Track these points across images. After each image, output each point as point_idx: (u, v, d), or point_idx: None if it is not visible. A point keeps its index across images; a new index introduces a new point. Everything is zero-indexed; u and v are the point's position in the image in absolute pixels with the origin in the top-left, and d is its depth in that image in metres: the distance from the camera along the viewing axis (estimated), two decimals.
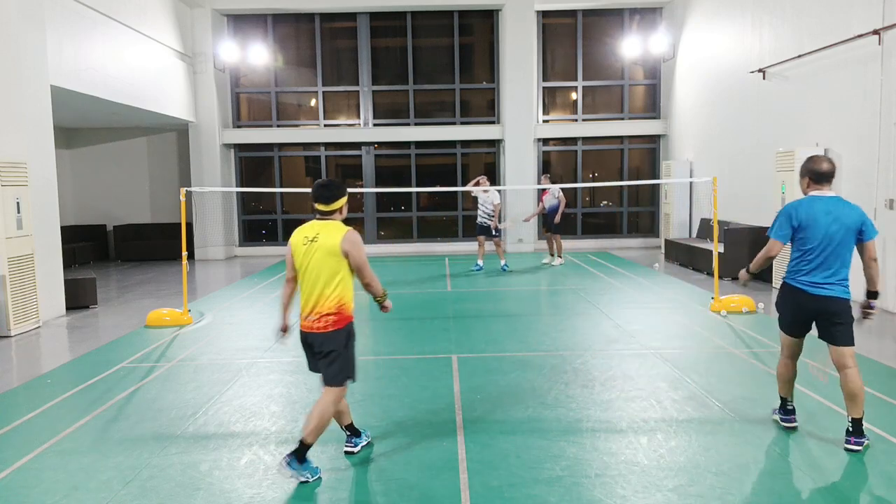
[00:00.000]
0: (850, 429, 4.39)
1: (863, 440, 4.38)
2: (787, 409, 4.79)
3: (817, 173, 4.43)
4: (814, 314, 4.47)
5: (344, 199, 4.32)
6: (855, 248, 4.41)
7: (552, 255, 14.17)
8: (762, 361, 6.57)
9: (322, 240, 4.13)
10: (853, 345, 4.43)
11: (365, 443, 4.65)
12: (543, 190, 14.02)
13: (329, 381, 4.17)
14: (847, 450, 4.35)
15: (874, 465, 4.19)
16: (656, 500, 3.79)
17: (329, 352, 4.13)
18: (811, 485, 3.93)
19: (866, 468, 4.14)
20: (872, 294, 4.46)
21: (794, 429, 4.72)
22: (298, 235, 4.31)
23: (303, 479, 4.04)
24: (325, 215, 4.28)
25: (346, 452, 4.53)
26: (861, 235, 4.34)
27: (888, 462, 4.23)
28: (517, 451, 4.42)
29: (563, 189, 13.72)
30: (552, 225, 13.83)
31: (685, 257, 13.65)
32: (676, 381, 5.97)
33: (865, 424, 4.83)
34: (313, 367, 4.33)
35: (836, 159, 9.99)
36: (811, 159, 4.50)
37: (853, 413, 4.37)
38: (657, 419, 5.05)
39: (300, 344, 4.34)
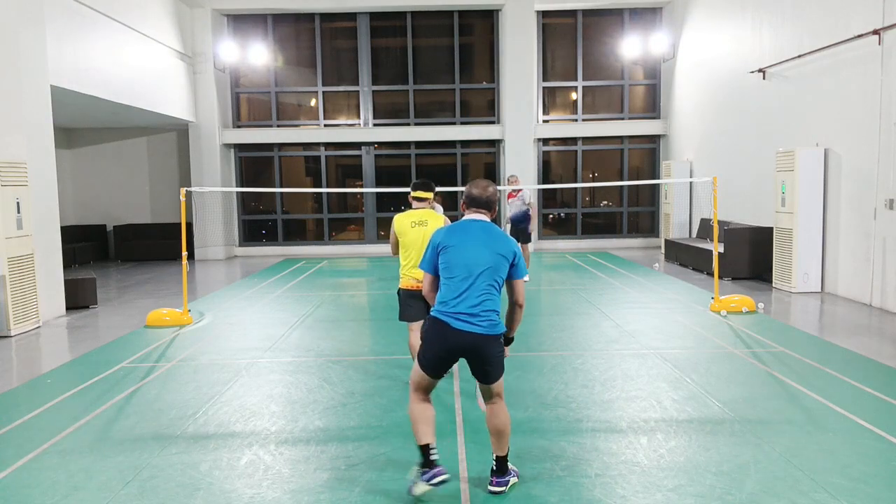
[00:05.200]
0: (494, 468, 3.91)
1: (506, 479, 3.90)
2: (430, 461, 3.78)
3: (469, 198, 3.98)
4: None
5: (431, 194, 5.81)
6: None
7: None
8: (762, 361, 6.57)
9: (431, 225, 5.52)
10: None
11: None
12: (509, 193, 12.11)
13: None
14: (490, 492, 3.86)
15: (874, 465, 4.19)
16: (656, 500, 3.79)
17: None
18: (811, 485, 3.93)
19: (866, 468, 4.14)
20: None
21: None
22: (405, 220, 5.65)
23: None
24: (419, 201, 5.74)
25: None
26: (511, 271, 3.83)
27: (888, 462, 4.23)
28: (517, 451, 4.42)
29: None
30: (520, 235, 11.72)
31: (685, 257, 13.65)
32: (676, 381, 5.97)
33: (863, 423, 4.83)
34: (408, 315, 5.58)
35: (836, 159, 10.01)
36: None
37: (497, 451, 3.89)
38: (657, 419, 5.05)
39: (400, 297, 5.63)
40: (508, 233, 12.17)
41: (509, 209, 12.19)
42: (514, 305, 3.88)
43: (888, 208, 8.86)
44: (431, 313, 3.82)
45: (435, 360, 3.79)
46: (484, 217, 3.94)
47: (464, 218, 3.99)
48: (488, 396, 3.90)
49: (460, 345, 3.71)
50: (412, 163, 17.85)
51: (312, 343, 7.73)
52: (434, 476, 3.70)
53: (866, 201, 9.32)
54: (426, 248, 4.00)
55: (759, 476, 4.05)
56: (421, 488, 3.73)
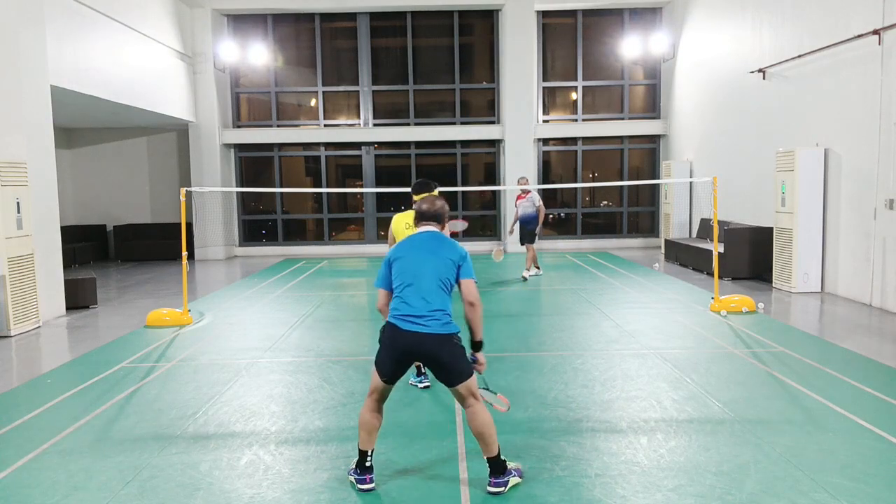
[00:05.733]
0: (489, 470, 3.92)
1: (504, 479, 3.90)
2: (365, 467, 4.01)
3: (419, 213, 4.24)
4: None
5: (433, 194, 5.68)
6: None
7: (536, 266, 12.64)
8: (762, 361, 6.57)
9: None
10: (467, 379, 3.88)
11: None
12: (518, 194, 12.45)
13: None
14: (489, 493, 3.87)
15: (874, 465, 4.19)
16: (656, 500, 3.79)
17: None
18: (811, 485, 3.93)
19: (866, 468, 4.14)
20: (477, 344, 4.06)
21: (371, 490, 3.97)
22: (400, 221, 5.77)
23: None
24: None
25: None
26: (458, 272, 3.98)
27: (888, 462, 4.23)
28: (517, 451, 4.42)
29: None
30: (527, 236, 12.25)
31: (685, 257, 13.65)
32: (676, 381, 5.97)
33: (863, 423, 4.83)
34: None
35: (836, 159, 10.01)
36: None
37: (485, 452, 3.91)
38: (657, 419, 5.05)
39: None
40: (518, 232, 12.46)
41: (519, 210, 12.38)
42: (466, 305, 3.95)
43: (888, 208, 8.86)
44: (387, 320, 3.96)
45: (389, 363, 3.91)
46: (433, 228, 4.17)
47: (415, 231, 4.22)
48: (461, 400, 3.91)
49: (411, 346, 3.83)
50: (412, 163, 17.85)
51: (312, 343, 7.73)
52: (363, 482, 3.98)
53: (866, 201, 9.32)
54: (382, 265, 4.11)
55: (759, 476, 4.06)
56: (351, 479, 4.05)
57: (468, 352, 4.00)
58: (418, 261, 3.94)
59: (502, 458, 3.93)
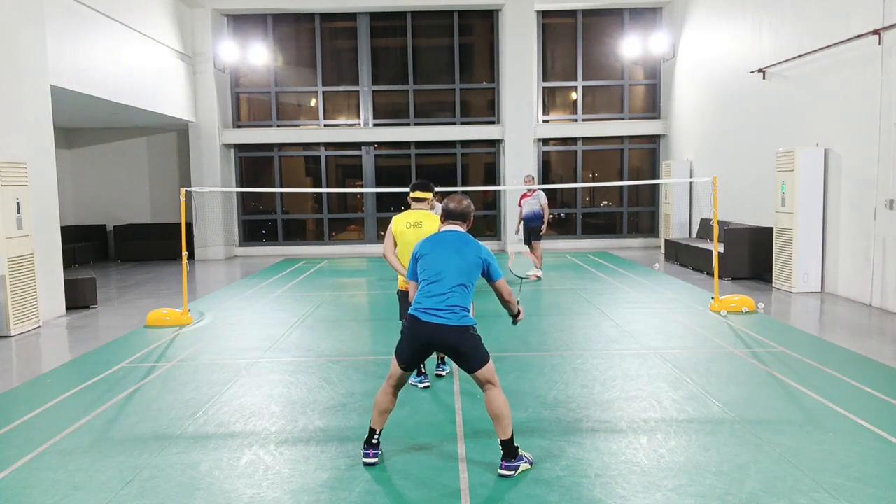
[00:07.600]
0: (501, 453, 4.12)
1: (515, 464, 4.09)
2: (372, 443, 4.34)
3: (446, 211, 4.46)
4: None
5: (430, 194, 5.87)
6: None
7: (537, 268, 12.12)
8: (762, 361, 6.57)
9: (426, 227, 5.60)
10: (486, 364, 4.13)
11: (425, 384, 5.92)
12: (524, 193, 12.48)
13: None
14: (499, 475, 4.06)
15: (874, 465, 4.19)
16: (656, 500, 3.79)
17: None
18: (811, 485, 3.93)
19: (866, 468, 4.14)
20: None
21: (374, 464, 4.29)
22: (401, 221, 5.73)
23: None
24: (418, 202, 5.82)
25: (437, 375, 6.22)
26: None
27: (888, 462, 4.23)
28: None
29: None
30: (533, 234, 12.23)
31: (685, 257, 13.65)
32: (676, 381, 5.97)
33: (863, 423, 4.83)
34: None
35: (836, 159, 10.01)
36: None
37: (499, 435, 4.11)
38: (657, 419, 5.05)
39: (399, 297, 5.95)
40: (522, 231, 12.48)
41: (524, 208, 12.35)
42: (503, 302, 4.37)
43: (888, 208, 8.86)
44: (408, 312, 4.24)
45: (409, 352, 4.18)
46: (458, 228, 4.42)
47: (441, 229, 4.45)
48: (481, 385, 4.16)
49: (429, 336, 4.09)
50: (412, 163, 17.85)
51: (312, 343, 7.73)
52: (367, 456, 4.30)
53: (866, 201, 9.32)
54: (410, 260, 4.39)
55: (759, 476, 4.06)
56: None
57: (511, 321, 4.50)
58: (443, 259, 4.19)
59: (515, 444, 4.10)
